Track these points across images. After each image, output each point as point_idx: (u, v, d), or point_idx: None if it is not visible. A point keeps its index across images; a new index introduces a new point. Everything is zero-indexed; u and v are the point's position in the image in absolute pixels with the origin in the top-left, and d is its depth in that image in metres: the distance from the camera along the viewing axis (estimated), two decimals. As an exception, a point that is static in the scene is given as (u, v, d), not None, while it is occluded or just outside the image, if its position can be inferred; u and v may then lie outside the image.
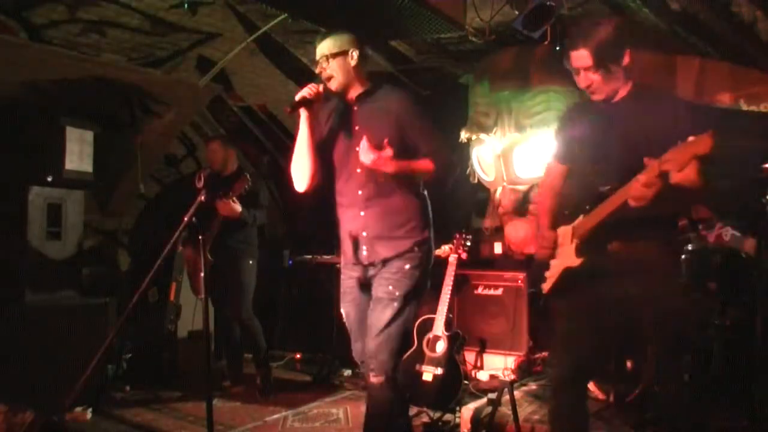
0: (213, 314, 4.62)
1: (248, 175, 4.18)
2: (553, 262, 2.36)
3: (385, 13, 3.59)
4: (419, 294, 2.69)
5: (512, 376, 4.27)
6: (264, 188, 4.67)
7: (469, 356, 4.65)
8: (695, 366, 3.34)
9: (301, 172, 2.72)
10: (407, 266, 2.63)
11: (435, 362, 3.84)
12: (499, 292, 4.70)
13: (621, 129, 2.24)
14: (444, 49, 4.80)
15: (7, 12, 3.60)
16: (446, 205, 5.00)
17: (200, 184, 4.15)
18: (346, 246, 2.75)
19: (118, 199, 5.28)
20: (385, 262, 2.65)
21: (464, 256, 4.20)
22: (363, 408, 2.90)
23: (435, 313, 3.97)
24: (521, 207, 4.71)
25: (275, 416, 3.91)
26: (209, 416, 2.69)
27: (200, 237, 3.01)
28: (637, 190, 1.98)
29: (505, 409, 3.30)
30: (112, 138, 4.74)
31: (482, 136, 5.07)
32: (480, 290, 4.78)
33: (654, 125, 2.18)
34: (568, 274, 2.29)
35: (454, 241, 4.22)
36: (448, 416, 3.70)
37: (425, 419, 3.67)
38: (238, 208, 4.15)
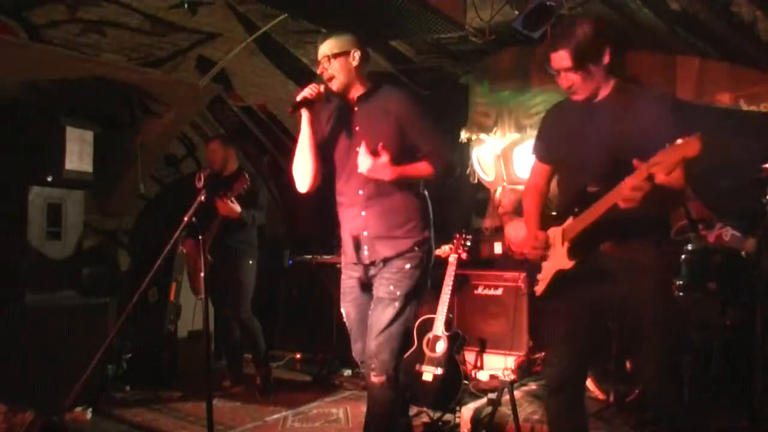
0: (213, 314, 4.62)
1: (247, 175, 4.18)
2: (544, 264, 2.36)
3: (385, 13, 3.59)
4: (420, 294, 2.70)
5: (512, 376, 4.26)
6: (264, 188, 4.67)
7: (469, 356, 4.65)
8: (695, 366, 3.34)
9: (302, 173, 2.73)
10: (408, 266, 2.64)
11: (435, 362, 3.84)
12: (499, 292, 4.70)
13: (604, 129, 2.23)
14: (444, 49, 4.80)
15: (7, 12, 3.60)
16: (446, 205, 5.00)
17: (200, 184, 4.15)
18: (347, 246, 2.76)
19: (118, 199, 5.28)
20: (385, 261, 2.66)
21: (464, 256, 4.20)
22: (363, 408, 2.90)
23: (435, 313, 3.97)
24: (521, 207, 4.71)
25: (275, 416, 3.91)
26: (209, 416, 2.69)
27: (200, 237, 3.01)
28: (627, 192, 1.97)
29: (505, 409, 3.30)
30: (112, 138, 4.74)
31: (482, 136, 5.07)
32: (480, 290, 4.78)
33: (636, 124, 2.17)
34: (560, 276, 2.29)
35: (454, 241, 4.21)
36: (448, 416, 3.70)
37: (425, 419, 3.67)
38: (238, 208, 4.15)
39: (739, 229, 3.77)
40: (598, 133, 2.23)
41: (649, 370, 2.19)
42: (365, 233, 2.67)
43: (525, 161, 4.66)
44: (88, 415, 3.77)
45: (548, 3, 3.46)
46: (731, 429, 3.13)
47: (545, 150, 2.52)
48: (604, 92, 2.28)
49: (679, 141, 1.83)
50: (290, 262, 5.73)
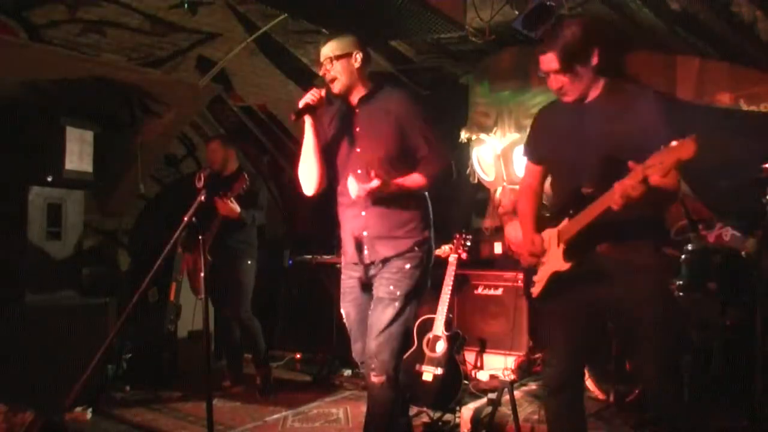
0: (213, 314, 4.62)
1: (246, 175, 4.18)
2: (540, 266, 2.36)
3: (385, 13, 3.59)
4: (420, 294, 2.71)
5: (512, 376, 4.26)
6: (264, 188, 4.67)
7: (469, 356, 4.65)
8: (695, 366, 3.34)
9: (308, 177, 2.74)
10: (407, 266, 2.65)
11: (435, 362, 3.84)
12: (499, 292, 4.70)
13: (595, 130, 2.22)
14: (444, 49, 4.80)
15: (7, 12, 3.59)
16: (446, 205, 5.00)
17: (200, 184, 4.15)
18: (347, 245, 2.77)
19: (118, 199, 5.28)
20: (385, 261, 2.67)
21: (464, 256, 4.20)
22: (363, 408, 2.90)
23: (435, 313, 3.97)
24: (521, 207, 4.71)
25: (275, 416, 3.91)
26: (209, 416, 2.69)
27: (200, 237, 3.01)
28: (622, 194, 1.97)
29: (505, 409, 3.30)
30: (112, 138, 4.74)
31: (482, 136, 5.08)
32: (480, 290, 4.78)
33: (628, 124, 2.17)
34: (557, 278, 2.29)
35: (454, 241, 4.21)
36: (448, 416, 3.70)
37: (425, 419, 3.67)
38: (237, 208, 4.15)
39: (739, 229, 3.77)
40: (590, 134, 2.23)
41: (649, 370, 2.19)
42: (365, 233, 2.68)
43: (525, 161, 4.66)
44: (88, 415, 3.77)
45: (548, 3, 3.46)
46: (731, 429, 3.13)
47: (536, 151, 2.52)
48: (594, 93, 2.28)
49: (674, 143, 1.83)
50: (290, 262, 5.73)
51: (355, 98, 2.72)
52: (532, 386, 3.98)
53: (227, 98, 5.33)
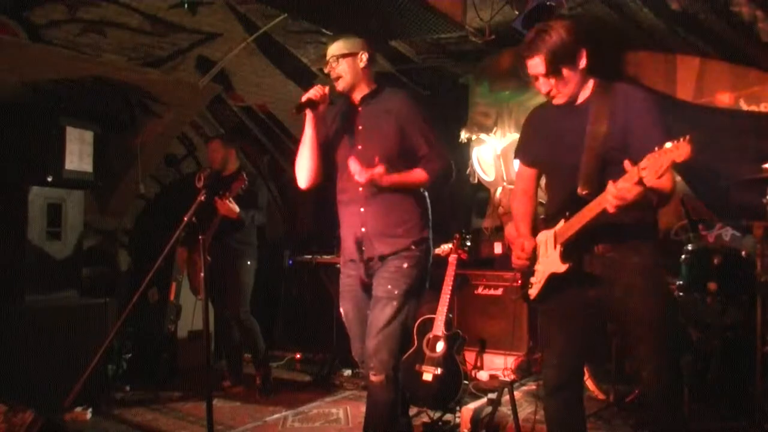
0: (213, 314, 4.62)
1: (246, 175, 4.18)
2: (537, 268, 2.35)
3: (385, 13, 3.59)
4: (418, 293, 2.72)
5: (512, 376, 4.27)
6: (263, 189, 4.67)
7: (469, 356, 4.64)
8: (695, 366, 3.34)
9: (303, 170, 2.78)
10: (405, 265, 2.66)
11: (435, 362, 3.84)
12: (499, 292, 4.71)
13: (586, 131, 2.21)
14: (444, 49, 4.80)
15: (7, 12, 3.59)
16: (446, 205, 5.01)
17: (200, 184, 4.15)
18: (346, 242, 2.79)
19: (118, 199, 5.28)
20: (383, 259, 2.68)
21: (464, 256, 4.20)
22: (363, 408, 2.90)
23: (435, 313, 3.97)
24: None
25: (275, 416, 3.91)
26: (209, 416, 2.69)
27: (200, 237, 3.01)
28: (616, 197, 1.97)
29: (505, 409, 3.30)
30: (112, 138, 4.74)
31: (482, 136, 5.08)
32: (480, 290, 4.78)
33: (618, 125, 2.16)
34: (554, 279, 2.29)
35: (454, 241, 4.21)
36: (448, 416, 3.70)
37: (425, 419, 3.67)
38: (236, 208, 4.15)
39: (739, 229, 3.78)
40: (582, 135, 2.22)
41: (648, 370, 2.19)
42: (364, 229, 2.70)
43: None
44: (88, 415, 3.77)
45: (548, 3, 3.46)
46: (731, 429, 3.14)
47: (529, 153, 2.52)
48: (585, 94, 2.27)
49: (669, 144, 1.82)
50: (290, 262, 5.73)
51: (358, 97, 2.76)
52: (532, 386, 3.98)
53: (227, 98, 5.34)
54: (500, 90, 4.98)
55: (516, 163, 2.67)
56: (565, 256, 2.24)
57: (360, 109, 2.77)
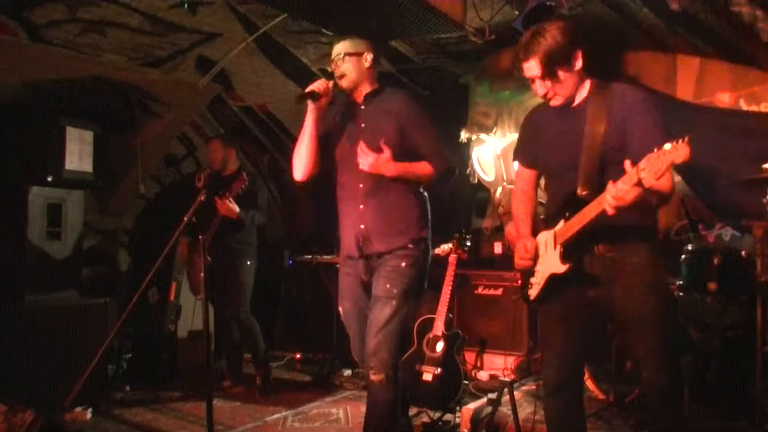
0: (213, 314, 4.62)
1: (246, 175, 4.18)
2: (537, 268, 2.35)
3: (385, 13, 3.59)
4: (417, 292, 2.73)
5: (512, 376, 4.26)
6: (263, 189, 4.67)
7: (469, 356, 4.65)
8: (695, 366, 3.34)
9: (301, 162, 2.82)
10: (403, 264, 2.67)
11: (435, 362, 3.84)
12: (499, 292, 4.71)
13: (584, 132, 2.21)
14: (444, 49, 4.80)
15: (7, 12, 3.59)
16: (446, 205, 5.01)
17: (200, 184, 4.15)
18: (345, 238, 2.81)
19: (118, 199, 5.28)
20: (381, 256, 2.70)
21: (464, 256, 4.20)
22: (363, 408, 2.90)
23: (435, 313, 3.97)
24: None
25: (275, 416, 3.91)
26: (209, 416, 2.69)
27: (200, 237, 3.02)
28: (615, 197, 1.97)
29: (505, 409, 3.30)
30: (112, 138, 4.74)
31: (482, 136, 5.08)
32: (480, 290, 4.78)
33: (616, 125, 2.16)
34: (554, 279, 2.29)
35: (454, 241, 4.21)
36: (448, 416, 3.70)
37: (425, 419, 3.67)
38: (236, 208, 4.15)
39: (739, 229, 3.77)
40: (580, 136, 2.22)
41: (648, 369, 2.19)
42: (362, 226, 2.72)
43: (517, 165, 4.67)
44: (88, 415, 3.77)
45: (548, 3, 3.46)
46: (731, 429, 3.14)
47: (528, 154, 2.52)
48: (582, 95, 2.27)
49: (668, 146, 1.82)
50: (290, 262, 5.73)
51: (360, 96, 2.80)
52: (532, 386, 3.98)
53: (227, 98, 5.34)
54: (500, 90, 4.98)
55: (516, 164, 2.67)
56: (565, 257, 2.24)
57: (363, 107, 2.80)
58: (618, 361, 3.61)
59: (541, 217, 2.45)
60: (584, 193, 2.17)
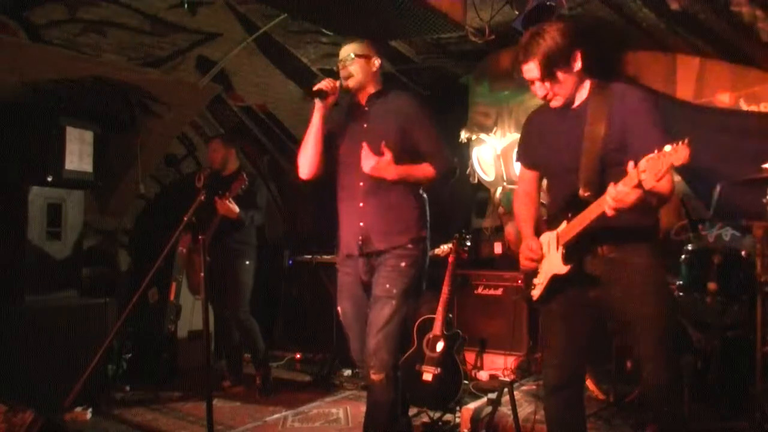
0: (213, 314, 4.62)
1: (245, 175, 4.18)
2: (540, 269, 2.36)
3: (385, 13, 3.59)
4: (416, 292, 2.75)
5: (512, 376, 4.27)
6: (263, 189, 4.67)
7: (469, 356, 4.65)
8: (695, 366, 3.34)
9: (306, 160, 2.84)
10: (403, 264, 2.69)
11: (435, 362, 3.84)
12: (499, 292, 4.71)
13: (584, 133, 2.21)
14: (444, 49, 4.80)
15: (7, 12, 3.59)
16: (446, 205, 5.00)
17: (200, 184, 4.15)
18: (345, 237, 2.83)
19: (118, 199, 5.28)
20: (380, 254, 2.71)
21: (464, 255, 4.20)
22: (363, 408, 2.90)
23: (435, 313, 3.97)
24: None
25: (275, 416, 3.91)
26: (209, 416, 2.69)
27: (200, 237, 3.02)
28: (615, 199, 1.97)
29: (505, 409, 3.30)
30: (112, 138, 4.74)
31: (482, 136, 5.08)
32: (480, 290, 4.78)
33: (615, 125, 2.16)
34: (556, 280, 2.29)
35: (454, 241, 4.21)
36: (448, 416, 3.70)
37: (425, 419, 3.67)
38: (236, 208, 4.15)
39: (739, 229, 3.77)
40: (580, 138, 2.22)
41: (648, 369, 2.19)
42: (362, 224, 2.74)
43: (519, 166, 4.67)
44: (88, 415, 3.77)
45: (548, 3, 3.46)
46: (731, 429, 3.13)
47: (528, 156, 2.53)
48: (581, 95, 2.27)
49: (668, 148, 1.82)
50: (290, 262, 5.73)
51: (364, 97, 2.83)
52: (532, 386, 3.97)
53: (227, 98, 5.34)
54: (500, 90, 4.98)
55: (517, 166, 2.68)
56: (567, 258, 2.24)
57: (367, 108, 2.83)
58: (618, 361, 3.61)
59: (544, 218, 2.45)
60: (586, 194, 2.17)
